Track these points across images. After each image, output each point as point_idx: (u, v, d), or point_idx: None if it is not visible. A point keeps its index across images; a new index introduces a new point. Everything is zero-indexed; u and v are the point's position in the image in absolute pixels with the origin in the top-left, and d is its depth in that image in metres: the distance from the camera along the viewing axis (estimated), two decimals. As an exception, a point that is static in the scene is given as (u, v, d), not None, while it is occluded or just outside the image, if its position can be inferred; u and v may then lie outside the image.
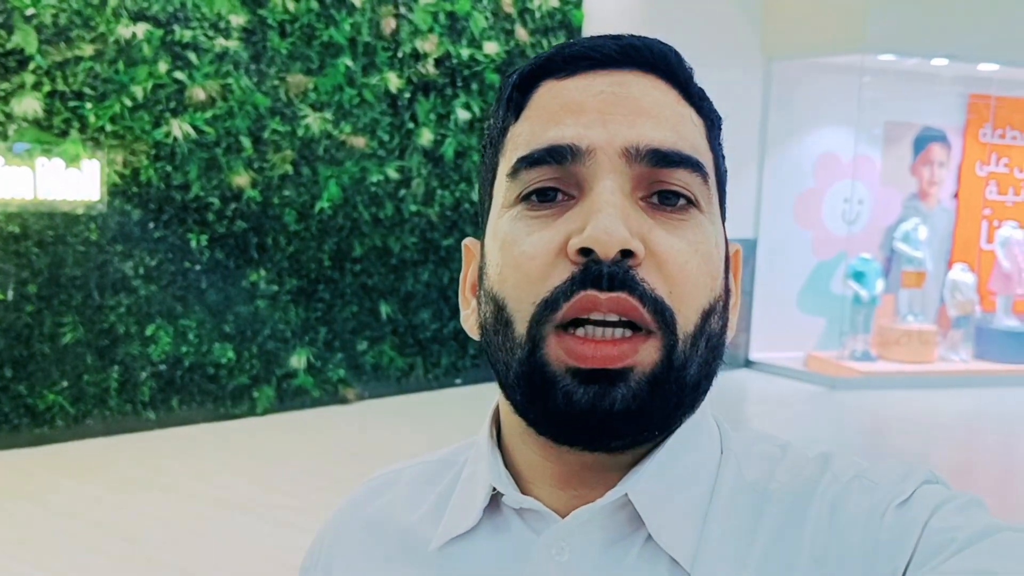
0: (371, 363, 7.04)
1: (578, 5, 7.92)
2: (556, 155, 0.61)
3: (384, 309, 7.07)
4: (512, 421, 0.66)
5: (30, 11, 5.40)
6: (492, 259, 0.64)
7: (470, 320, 0.69)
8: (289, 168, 6.49)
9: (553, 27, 7.82)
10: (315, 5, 6.52)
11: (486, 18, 7.40)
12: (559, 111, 0.62)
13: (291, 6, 6.40)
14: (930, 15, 8.04)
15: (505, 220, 0.63)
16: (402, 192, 7.09)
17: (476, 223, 7.13)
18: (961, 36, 8.14)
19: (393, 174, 7.01)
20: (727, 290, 0.65)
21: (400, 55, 6.97)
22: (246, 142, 6.29)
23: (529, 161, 0.62)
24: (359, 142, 6.80)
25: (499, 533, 0.67)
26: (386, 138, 6.95)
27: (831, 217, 9.07)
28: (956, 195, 9.52)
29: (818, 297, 9.07)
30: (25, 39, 5.39)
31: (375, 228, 6.97)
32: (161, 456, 5.53)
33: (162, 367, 6.06)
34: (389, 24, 6.88)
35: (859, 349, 8.71)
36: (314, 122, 6.56)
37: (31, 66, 5.43)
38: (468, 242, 0.72)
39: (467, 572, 0.67)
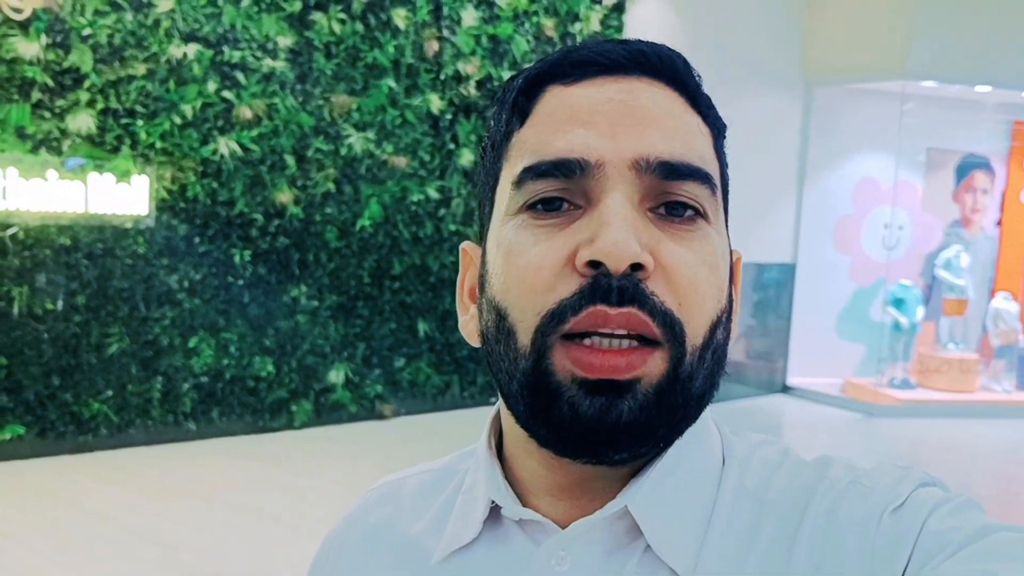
0: (408, 380, 7.11)
1: (619, 29, 7.98)
2: (564, 169, 0.60)
3: (422, 327, 7.14)
4: (515, 430, 0.65)
5: (87, 31, 5.58)
6: (495, 268, 0.62)
7: (469, 327, 0.68)
8: (331, 186, 6.61)
9: (594, 51, 7.87)
10: (360, 27, 6.65)
11: (528, 41, 7.49)
12: (567, 120, 0.61)
13: (337, 28, 6.54)
14: (973, 42, 7.99)
15: (509, 228, 0.62)
16: (442, 212, 7.18)
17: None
18: (1005, 63, 8.07)
19: (433, 194, 7.10)
20: (731, 300, 0.65)
21: (442, 77, 7.08)
22: (290, 160, 6.41)
23: (536, 172, 0.60)
24: (400, 162, 6.91)
25: (499, 544, 0.66)
26: (427, 158, 7.05)
27: (870, 243, 9.00)
28: (999, 223, 9.41)
29: (857, 323, 8.99)
30: (81, 58, 5.57)
31: (415, 246, 7.05)
32: (200, 466, 5.64)
33: (203, 379, 6.18)
34: (432, 47, 6.99)
35: (898, 376, 8.62)
36: (357, 142, 6.67)
37: (86, 84, 5.60)
38: (466, 246, 0.71)
39: None
